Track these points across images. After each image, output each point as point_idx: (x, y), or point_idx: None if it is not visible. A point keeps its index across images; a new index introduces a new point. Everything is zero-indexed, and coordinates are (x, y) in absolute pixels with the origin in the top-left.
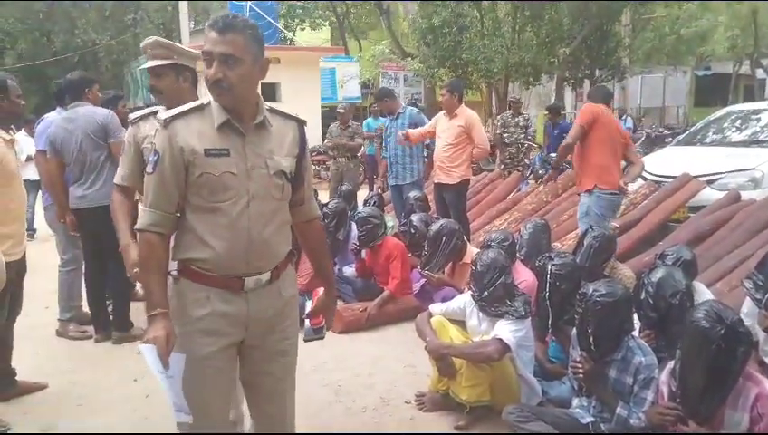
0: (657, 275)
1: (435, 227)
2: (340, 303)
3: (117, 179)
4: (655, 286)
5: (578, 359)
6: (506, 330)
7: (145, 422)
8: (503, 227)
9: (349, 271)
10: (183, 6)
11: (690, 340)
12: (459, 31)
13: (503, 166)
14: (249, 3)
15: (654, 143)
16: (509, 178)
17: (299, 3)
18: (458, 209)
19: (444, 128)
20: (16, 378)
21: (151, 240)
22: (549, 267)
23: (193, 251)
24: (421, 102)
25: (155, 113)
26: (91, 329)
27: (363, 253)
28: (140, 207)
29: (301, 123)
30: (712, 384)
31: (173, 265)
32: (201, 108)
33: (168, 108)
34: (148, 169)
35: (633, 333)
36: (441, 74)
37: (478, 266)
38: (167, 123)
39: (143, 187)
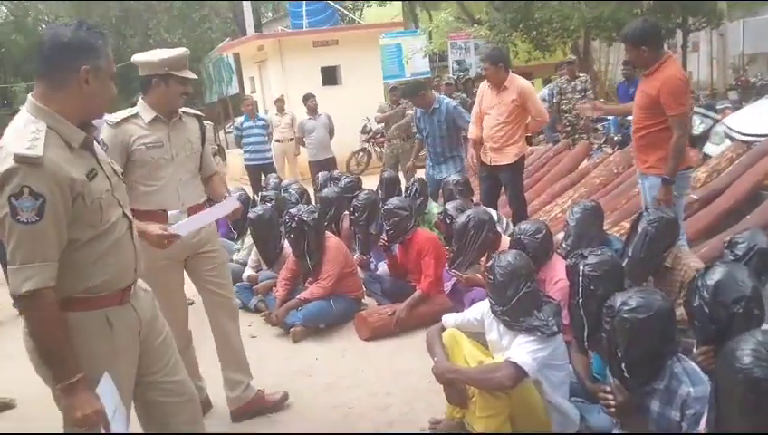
0: (715, 275)
1: (461, 218)
2: (372, 303)
3: None
4: (712, 290)
5: (608, 389)
6: (523, 351)
7: None
8: (566, 206)
9: (383, 267)
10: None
11: (730, 391)
12: None
13: (564, 135)
14: None
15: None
16: (575, 150)
17: None
18: (517, 189)
19: (492, 104)
20: None
21: (52, 298)
22: (581, 268)
23: (82, 282)
24: None
25: (135, 115)
26: None
27: (395, 248)
28: (19, 267)
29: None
30: None
31: None
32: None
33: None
34: (28, 217)
35: (681, 354)
36: (514, 39)
37: (497, 275)
38: (39, 160)
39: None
